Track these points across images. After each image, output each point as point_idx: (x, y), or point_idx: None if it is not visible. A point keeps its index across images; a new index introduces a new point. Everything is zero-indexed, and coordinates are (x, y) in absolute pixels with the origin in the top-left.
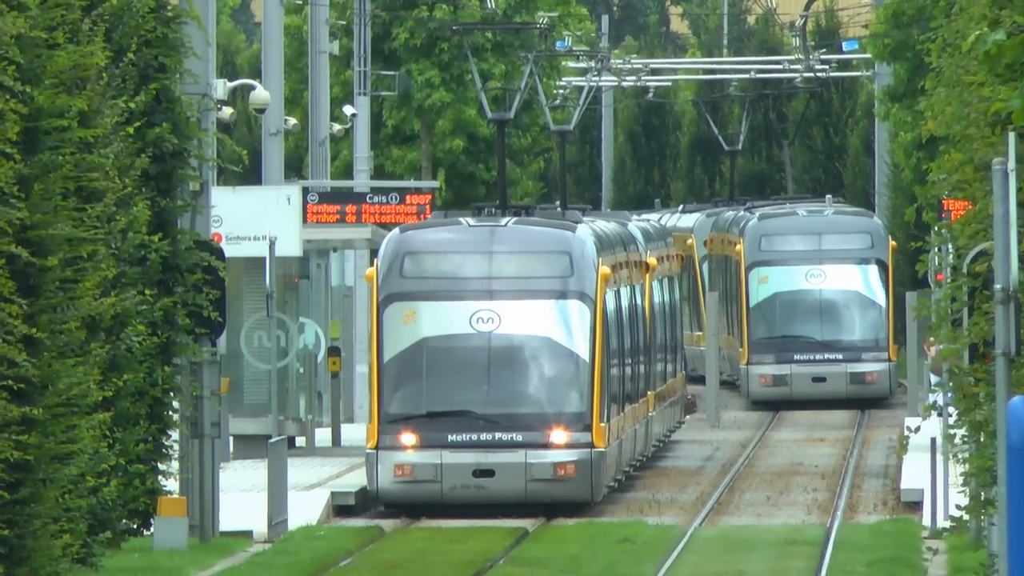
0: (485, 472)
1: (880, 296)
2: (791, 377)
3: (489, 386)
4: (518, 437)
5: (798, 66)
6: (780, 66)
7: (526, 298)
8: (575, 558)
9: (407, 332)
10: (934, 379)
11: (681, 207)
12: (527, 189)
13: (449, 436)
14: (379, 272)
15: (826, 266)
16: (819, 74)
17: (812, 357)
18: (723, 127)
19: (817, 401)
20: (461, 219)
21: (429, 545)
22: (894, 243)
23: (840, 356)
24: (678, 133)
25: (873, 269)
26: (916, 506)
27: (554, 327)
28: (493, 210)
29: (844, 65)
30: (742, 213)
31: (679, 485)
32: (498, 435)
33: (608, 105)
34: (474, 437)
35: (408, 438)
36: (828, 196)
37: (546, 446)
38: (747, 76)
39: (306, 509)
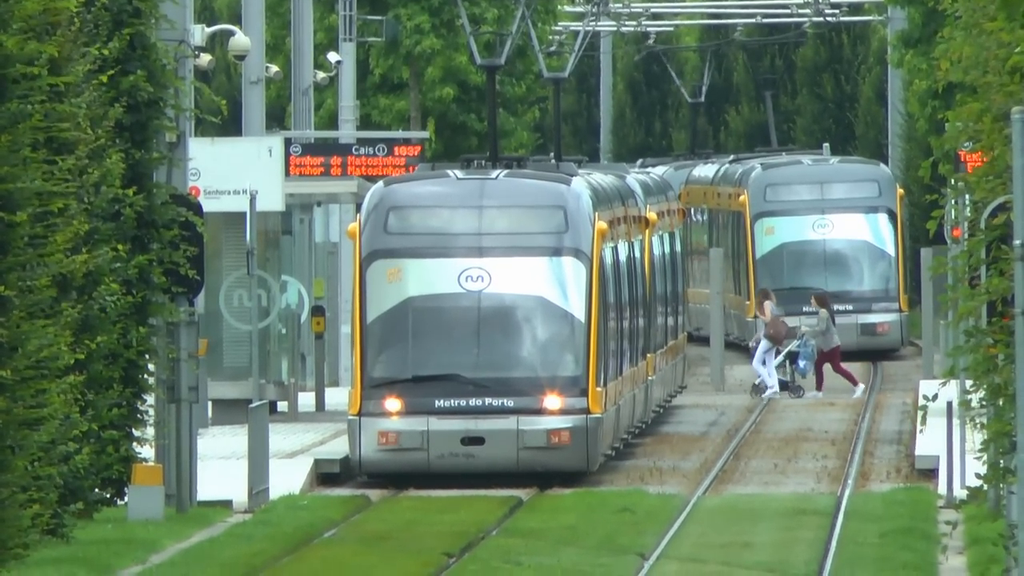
0: (474, 440)
1: (889, 245)
2: (800, 329)
3: (479, 349)
4: (509, 403)
5: (807, 10)
6: (787, 10)
7: (518, 255)
8: (572, 528)
9: (392, 291)
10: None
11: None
12: (522, 140)
13: (436, 402)
14: (362, 228)
15: (833, 215)
16: (829, 19)
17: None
18: (728, 75)
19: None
20: (449, 172)
21: (418, 515)
22: (902, 191)
23: (850, 307)
24: (681, 81)
25: (882, 218)
26: (931, 474)
27: (548, 286)
28: (483, 162)
29: (855, 9)
30: (730, 165)
31: (682, 452)
32: (488, 400)
33: (607, 52)
34: (463, 403)
35: (393, 404)
36: (825, 145)
37: (539, 412)
38: (753, 21)
39: (288, 477)
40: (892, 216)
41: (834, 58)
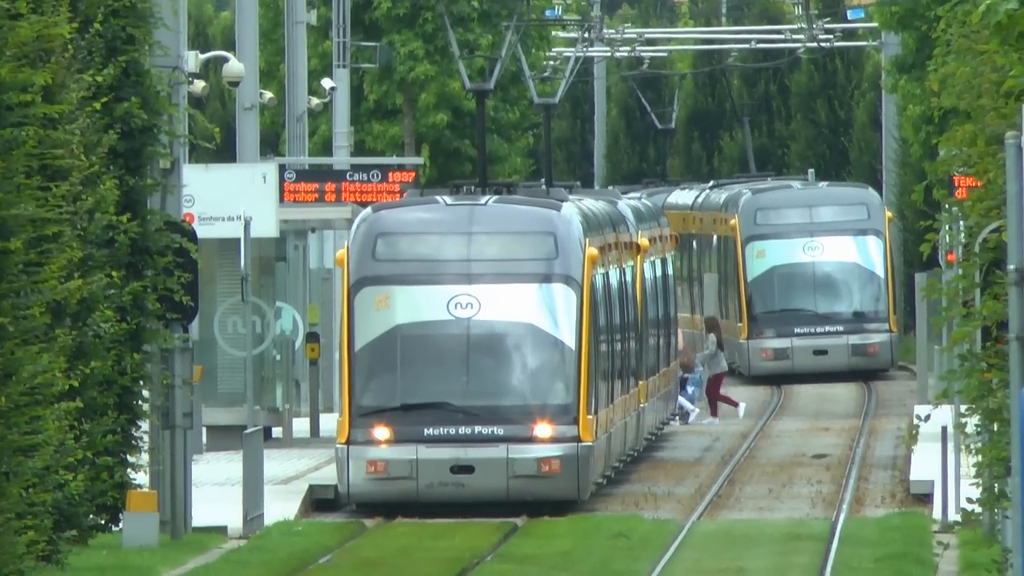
0: (464, 468)
1: (879, 267)
2: (792, 350)
3: (468, 376)
4: (499, 431)
5: (800, 35)
6: (782, 35)
7: (508, 282)
8: (567, 554)
9: (380, 319)
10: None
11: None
12: (516, 166)
13: (425, 430)
14: (350, 255)
15: (823, 238)
16: (823, 44)
17: (813, 330)
18: (721, 100)
19: (819, 374)
20: (438, 197)
21: (413, 541)
22: (890, 214)
23: (841, 328)
24: (674, 107)
25: (871, 240)
26: (926, 499)
27: (538, 313)
28: (472, 188)
29: (849, 34)
30: (711, 191)
31: (676, 477)
32: (478, 429)
33: (600, 77)
34: (452, 431)
35: (381, 432)
36: (810, 171)
37: (529, 440)
38: (747, 46)
39: (283, 503)
40: (881, 238)
41: (828, 83)
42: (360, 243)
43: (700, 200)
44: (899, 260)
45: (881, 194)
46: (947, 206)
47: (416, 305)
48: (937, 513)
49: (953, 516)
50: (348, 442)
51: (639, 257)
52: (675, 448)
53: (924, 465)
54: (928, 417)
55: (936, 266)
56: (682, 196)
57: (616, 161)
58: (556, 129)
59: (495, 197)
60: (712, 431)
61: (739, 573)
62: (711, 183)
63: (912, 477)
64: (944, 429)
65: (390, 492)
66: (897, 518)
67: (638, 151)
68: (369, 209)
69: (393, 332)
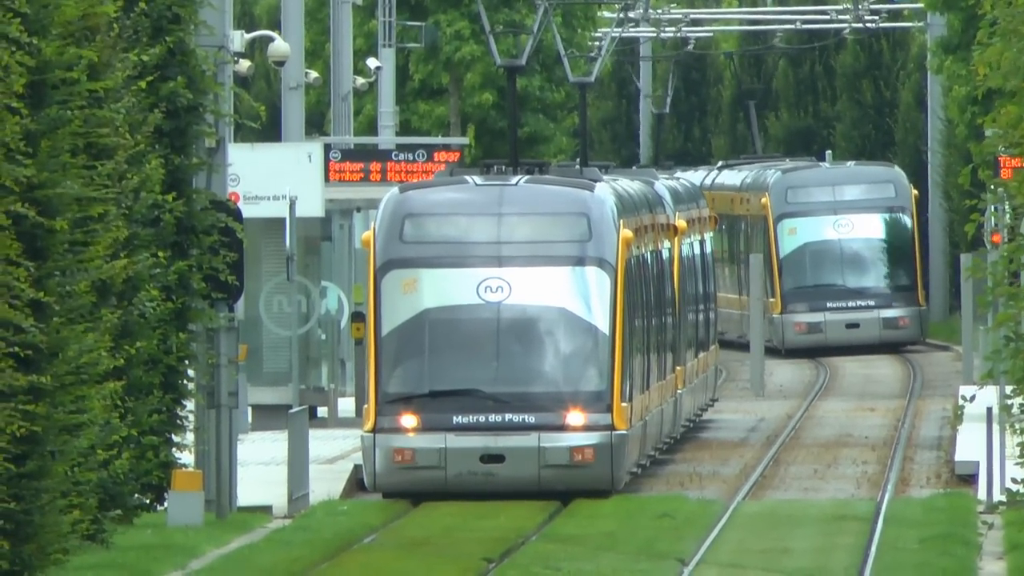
0: (494, 457)
1: (906, 243)
2: (825, 324)
3: (498, 362)
4: (530, 419)
5: (846, 16)
6: (827, 16)
7: (539, 265)
8: (611, 535)
9: (408, 303)
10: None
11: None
12: (561, 145)
13: (454, 418)
14: (377, 236)
15: (852, 215)
16: (868, 25)
17: (845, 304)
18: (767, 80)
19: (851, 347)
20: (467, 177)
21: (457, 521)
22: (916, 192)
23: (872, 303)
24: (719, 87)
25: (898, 217)
26: (971, 479)
27: (570, 297)
28: (503, 167)
29: (895, 15)
30: (727, 171)
31: (721, 458)
32: (508, 416)
33: (646, 57)
34: (482, 419)
35: (409, 420)
36: (827, 153)
37: (561, 428)
38: (792, 27)
39: (328, 483)
40: (908, 215)
41: (873, 64)
42: (387, 224)
43: (716, 181)
44: (944, 241)
45: (927, 175)
46: (992, 187)
47: (445, 289)
48: (982, 494)
49: (998, 497)
50: (374, 430)
51: (676, 239)
52: (720, 428)
53: (969, 445)
54: (973, 398)
55: (981, 246)
56: (693, 177)
57: (662, 141)
58: (601, 109)
59: (526, 177)
60: (757, 410)
61: (784, 553)
62: (719, 163)
63: (957, 458)
64: (989, 410)
65: (418, 481)
66: (942, 499)
67: (683, 131)
68: (396, 189)
69: (421, 316)
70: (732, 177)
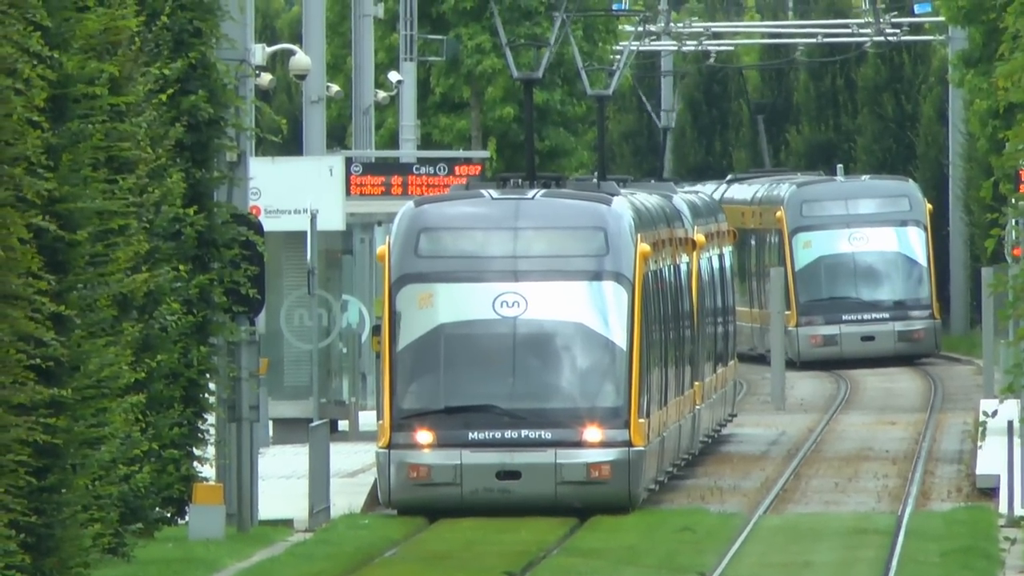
0: (510, 474)
1: (921, 256)
2: (840, 337)
3: (514, 378)
4: (547, 435)
5: (867, 30)
6: (848, 29)
7: (556, 279)
8: (632, 548)
9: (423, 317)
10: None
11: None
12: (582, 159)
13: (470, 434)
14: (392, 250)
15: (867, 229)
16: (889, 38)
17: (860, 317)
18: (788, 94)
19: (866, 359)
20: (483, 191)
21: (478, 535)
22: (930, 206)
23: (887, 315)
24: (740, 100)
25: (912, 230)
26: (992, 493)
27: (587, 312)
28: (520, 181)
29: (916, 28)
30: (736, 184)
31: (742, 471)
32: (525, 432)
33: (667, 71)
34: (498, 435)
35: (424, 436)
36: (839, 167)
37: (578, 445)
38: (814, 40)
39: (349, 496)
40: (922, 228)
41: (895, 77)
42: (402, 239)
43: (718, 196)
44: (965, 255)
45: (948, 188)
46: (1013, 200)
47: (460, 303)
48: (1003, 507)
49: (1019, 511)
50: (389, 446)
51: (695, 253)
52: (741, 442)
53: (990, 459)
54: (995, 413)
55: (1003, 260)
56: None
57: (682, 154)
58: (623, 123)
59: (543, 191)
60: (778, 424)
61: (805, 567)
62: (729, 177)
63: (978, 471)
64: (1010, 423)
65: (433, 498)
66: (963, 512)
67: (704, 144)
68: (411, 203)
69: (436, 331)
70: (743, 191)
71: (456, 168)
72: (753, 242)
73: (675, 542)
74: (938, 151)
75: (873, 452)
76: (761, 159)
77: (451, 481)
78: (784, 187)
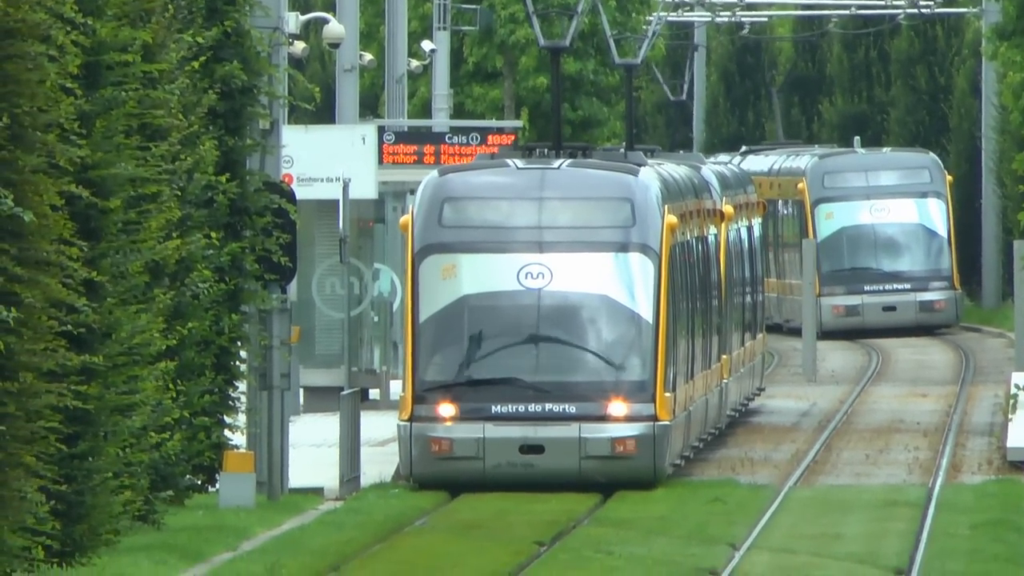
0: (533, 448)
1: (941, 228)
2: (863, 307)
3: (539, 351)
4: (571, 409)
5: (901, 2)
6: (882, 1)
7: (581, 251)
8: (663, 519)
9: (446, 288)
10: None
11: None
12: (615, 129)
13: (493, 407)
14: (415, 220)
15: (889, 200)
16: (923, 10)
17: (882, 287)
18: (821, 65)
19: (888, 329)
20: (508, 161)
21: (508, 504)
22: (951, 178)
23: (908, 286)
24: (774, 72)
25: (933, 202)
26: (1023, 466)
27: (613, 284)
28: (546, 151)
29: (950, 1)
30: (752, 156)
31: (773, 442)
32: (548, 406)
33: (701, 42)
34: (521, 408)
35: (446, 409)
36: (856, 139)
37: (603, 419)
38: (847, 12)
39: (379, 465)
40: (943, 201)
41: (928, 50)
42: (425, 208)
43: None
44: (998, 227)
45: (980, 161)
46: None
47: (484, 274)
48: None
49: None
50: (411, 419)
51: (723, 225)
52: (772, 413)
53: (1021, 432)
54: None
55: None
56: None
57: (715, 126)
58: (656, 93)
59: (569, 161)
60: (809, 395)
61: (835, 539)
62: (743, 149)
63: (1009, 444)
64: None
65: (455, 472)
66: (994, 485)
67: (738, 115)
68: (435, 172)
69: (460, 303)
70: (759, 163)
71: (489, 137)
72: (771, 213)
73: (706, 513)
74: (971, 124)
75: (904, 424)
76: (799, 130)
77: (473, 455)
78: (805, 159)
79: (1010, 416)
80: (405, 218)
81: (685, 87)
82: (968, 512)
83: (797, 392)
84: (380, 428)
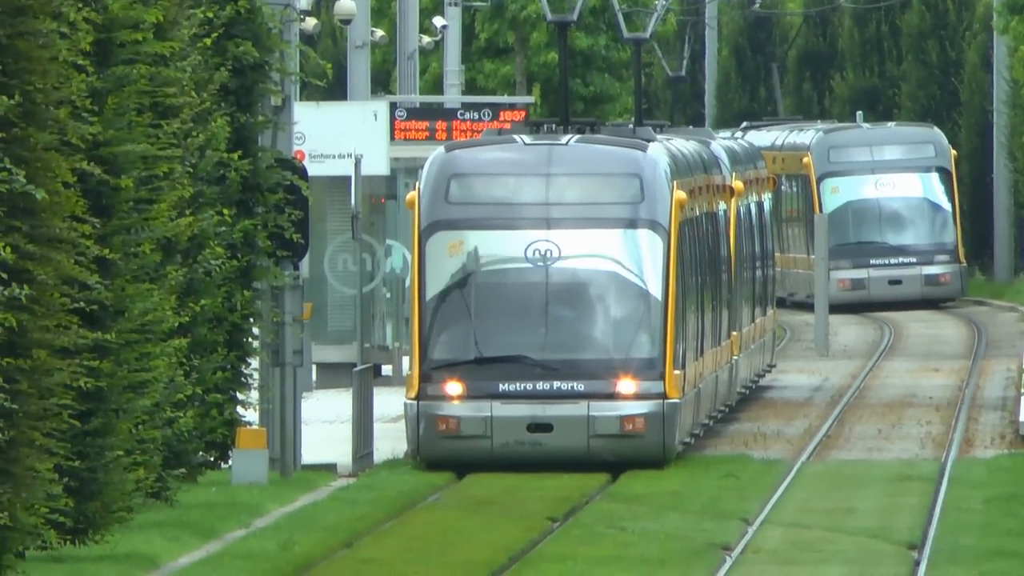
0: (541, 426)
1: (946, 202)
2: (869, 280)
3: (547, 328)
4: (579, 387)
5: None
6: None
7: (589, 227)
8: (676, 494)
9: (453, 265)
10: None
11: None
12: (626, 105)
13: (500, 385)
14: (421, 197)
15: (894, 175)
16: None
17: (887, 261)
18: (832, 40)
19: (894, 303)
20: (516, 136)
21: (521, 481)
22: (955, 152)
23: (914, 259)
24: (778, 47)
25: (937, 176)
26: None
27: (621, 260)
28: (554, 126)
29: None
30: (754, 131)
31: (786, 417)
32: (557, 384)
33: (712, 16)
34: (529, 386)
35: (453, 387)
36: (859, 114)
37: (612, 397)
38: None
39: (392, 442)
40: (947, 175)
41: (939, 24)
42: (432, 184)
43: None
44: (1009, 201)
45: (992, 135)
46: None
47: (491, 251)
48: None
49: None
50: (418, 397)
51: (733, 200)
52: (785, 388)
53: None
54: None
55: None
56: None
57: (727, 101)
58: (667, 68)
59: (577, 136)
60: (821, 370)
61: (848, 513)
62: (743, 124)
63: (1021, 418)
64: None
65: (462, 451)
66: (1006, 459)
67: (748, 91)
68: (442, 148)
69: (467, 280)
70: (761, 138)
71: (501, 113)
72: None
73: (718, 488)
74: (982, 98)
75: (916, 399)
76: (811, 105)
77: (481, 434)
78: (810, 134)
79: (1022, 390)
80: (411, 194)
81: (684, 63)
82: (981, 487)
83: (810, 367)
84: (392, 404)
